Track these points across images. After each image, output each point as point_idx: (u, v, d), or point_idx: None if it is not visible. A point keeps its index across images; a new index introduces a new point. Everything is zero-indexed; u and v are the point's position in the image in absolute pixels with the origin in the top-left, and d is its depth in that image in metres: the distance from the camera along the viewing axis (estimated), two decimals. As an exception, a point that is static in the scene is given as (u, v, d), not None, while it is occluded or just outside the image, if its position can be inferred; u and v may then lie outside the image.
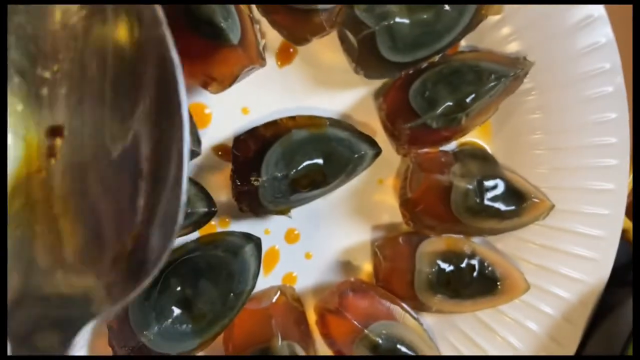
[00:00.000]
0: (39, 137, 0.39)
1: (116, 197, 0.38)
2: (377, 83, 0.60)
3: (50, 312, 0.37)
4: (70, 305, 0.37)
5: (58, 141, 0.38)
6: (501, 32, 0.59)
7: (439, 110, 0.56)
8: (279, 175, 0.53)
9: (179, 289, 0.52)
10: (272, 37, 0.56)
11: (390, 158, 0.61)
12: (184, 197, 0.36)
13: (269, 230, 0.59)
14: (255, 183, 0.52)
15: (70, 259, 0.38)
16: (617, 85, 0.60)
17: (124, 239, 0.37)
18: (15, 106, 0.37)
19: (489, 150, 0.63)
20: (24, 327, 0.35)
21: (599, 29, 0.59)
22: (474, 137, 0.62)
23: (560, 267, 0.62)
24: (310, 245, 0.60)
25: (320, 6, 0.52)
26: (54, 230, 0.38)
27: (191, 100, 0.56)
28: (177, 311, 0.52)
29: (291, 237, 0.60)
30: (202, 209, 0.52)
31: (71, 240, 0.38)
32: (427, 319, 0.62)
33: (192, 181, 0.53)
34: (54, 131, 0.38)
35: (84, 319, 0.37)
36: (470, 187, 0.57)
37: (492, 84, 0.56)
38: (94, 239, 0.38)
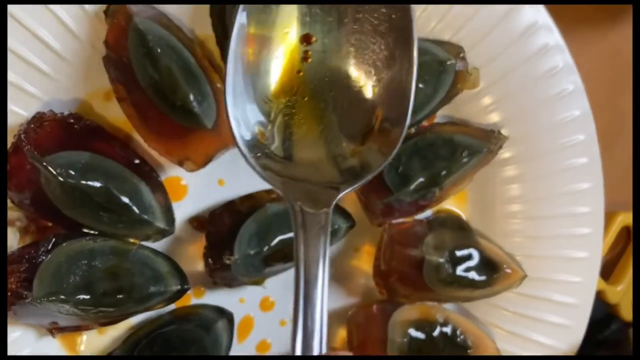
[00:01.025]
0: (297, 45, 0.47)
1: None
2: (354, 153, 0.61)
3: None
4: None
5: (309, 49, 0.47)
6: (480, 104, 0.60)
7: (412, 187, 0.56)
8: (252, 252, 0.53)
9: (152, 364, 0.53)
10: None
11: (366, 226, 0.61)
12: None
13: (243, 299, 0.60)
14: (228, 262, 0.53)
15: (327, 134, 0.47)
16: (592, 156, 0.61)
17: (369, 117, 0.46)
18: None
19: (464, 218, 0.64)
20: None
21: (575, 100, 0.60)
22: (450, 204, 0.63)
23: (531, 334, 0.63)
24: (285, 313, 0.61)
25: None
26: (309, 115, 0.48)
27: (167, 174, 0.57)
28: (150, 387, 0.53)
29: (266, 305, 0.61)
30: (175, 286, 0.53)
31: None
32: (400, 385, 0.63)
33: (166, 257, 0.54)
34: (307, 38, 0.47)
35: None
36: (442, 260, 0.58)
37: (465, 159, 0.57)
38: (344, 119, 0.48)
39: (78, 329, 0.54)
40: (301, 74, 0.47)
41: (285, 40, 0.47)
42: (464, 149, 0.57)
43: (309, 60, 0.48)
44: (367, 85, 0.47)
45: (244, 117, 0.45)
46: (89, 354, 0.57)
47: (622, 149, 0.72)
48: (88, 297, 0.50)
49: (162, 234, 0.54)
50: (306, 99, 0.48)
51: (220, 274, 0.54)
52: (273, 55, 0.47)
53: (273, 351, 0.61)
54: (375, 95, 0.47)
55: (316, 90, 0.48)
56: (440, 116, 0.61)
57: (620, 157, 0.72)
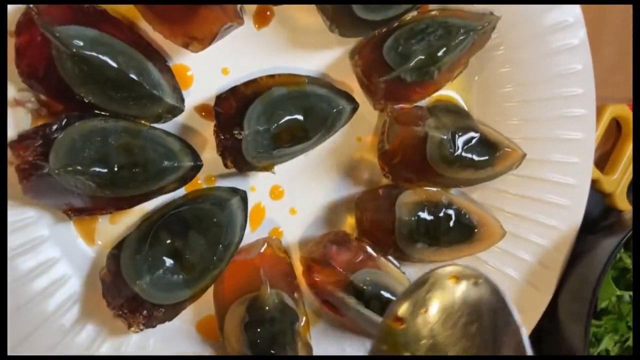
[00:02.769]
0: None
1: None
2: (352, 43, 0.62)
3: None
4: None
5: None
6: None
7: (412, 63, 0.58)
8: (261, 129, 0.55)
9: (169, 241, 0.54)
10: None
11: (368, 116, 0.63)
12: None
13: (254, 187, 0.61)
14: (239, 136, 0.54)
15: None
16: (581, 39, 0.63)
17: None
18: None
19: (463, 105, 0.65)
20: None
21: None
22: (449, 91, 0.65)
23: (534, 215, 0.65)
24: (294, 201, 0.63)
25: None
26: None
27: (174, 62, 0.58)
28: (168, 262, 0.54)
29: (276, 193, 0.62)
30: (188, 162, 0.54)
31: None
32: (410, 269, 0.65)
33: (177, 137, 0.55)
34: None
35: None
36: (445, 137, 0.59)
37: (461, 37, 0.59)
38: None
39: (93, 211, 0.54)
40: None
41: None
42: (459, 28, 0.59)
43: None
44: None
45: None
46: (105, 240, 0.57)
47: (608, 44, 0.74)
48: (104, 170, 0.51)
49: (172, 112, 0.55)
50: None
51: (231, 153, 0.55)
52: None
53: (285, 239, 0.63)
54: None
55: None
56: (432, 7, 0.63)
57: (606, 55, 0.74)
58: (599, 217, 0.75)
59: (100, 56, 0.50)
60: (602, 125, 0.72)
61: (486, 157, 0.61)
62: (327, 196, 0.64)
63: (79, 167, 0.49)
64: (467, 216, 0.62)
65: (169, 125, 0.57)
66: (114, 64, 0.50)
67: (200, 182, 0.59)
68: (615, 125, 0.75)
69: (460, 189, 0.66)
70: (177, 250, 0.54)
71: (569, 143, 0.65)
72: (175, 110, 0.55)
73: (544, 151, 0.64)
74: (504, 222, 0.64)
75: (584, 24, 0.63)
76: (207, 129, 0.59)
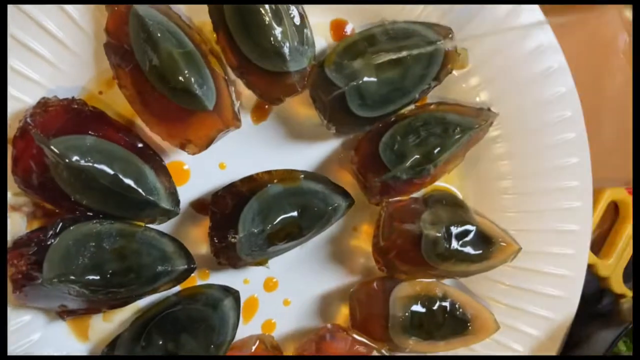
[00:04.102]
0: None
1: None
2: (350, 134, 0.62)
3: None
4: None
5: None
6: (469, 83, 0.62)
7: (408, 164, 0.58)
8: (256, 231, 0.55)
9: (161, 342, 0.54)
10: (248, 95, 0.59)
11: (364, 206, 0.63)
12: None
13: (247, 280, 0.61)
14: (233, 240, 0.54)
15: None
16: (578, 132, 0.63)
17: None
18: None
19: (459, 195, 0.65)
20: None
21: (560, 78, 0.62)
22: (445, 182, 0.65)
23: (528, 306, 0.65)
24: (288, 292, 0.63)
25: (292, 68, 0.55)
26: None
27: (171, 159, 0.58)
28: (161, 366, 0.54)
29: (269, 285, 0.62)
30: (182, 266, 0.54)
31: None
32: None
33: (172, 238, 0.55)
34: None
35: None
36: (439, 234, 0.59)
37: (458, 136, 0.59)
38: None
39: (87, 311, 0.54)
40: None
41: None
42: (456, 126, 0.59)
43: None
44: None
45: None
46: (98, 338, 0.58)
47: (607, 128, 0.74)
48: (97, 277, 0.51)
49: (167, 215, 0.55)
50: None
51: (225, 253, 0.56)
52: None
53: (278, 330, 0.63)
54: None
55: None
56: (432, 97, 0.63)
57: (605, 136, 0.74)
58: (593, 298, 0.75)
59: (96, 165, 0.50)
60: (599, 209, 0.72)
61: (481, 251, 0.61)
62: (322, 286, 0.64)
63: (72, 277, 0.49)
64: (460, 310, 0.62)
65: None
66: (110, 171, 0.51)
67: (194, 275, 0.59)
68: (613, 208, 0.75)
69: (456, 279, 0.66)
70: (170, 352, 0.54)
71: (564, 235, 0.65)
72: (170, 214, 0.55)
73: (540, 243, 0.64)
74: (498, 313, 0.64)
75: (582, 117, 0.63)
76: (202, 224, 0.59)
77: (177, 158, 0.58)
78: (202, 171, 0.59)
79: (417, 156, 0.58)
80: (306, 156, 0.62)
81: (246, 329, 0.61)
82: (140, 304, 0.58)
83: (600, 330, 0.66)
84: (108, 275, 0.51)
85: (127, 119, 0.56)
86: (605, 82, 0.74)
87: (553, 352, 0.65)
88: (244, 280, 0.61)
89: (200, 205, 0.59)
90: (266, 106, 0.60)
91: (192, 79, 0.51)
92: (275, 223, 0.56)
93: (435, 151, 0.59)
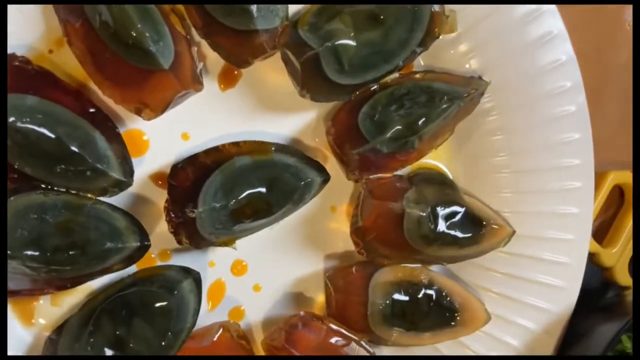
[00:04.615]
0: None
1: None
2: (328, 105, 0.57)
3: None
4: None
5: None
6: (458, 50, 0.57)
7: (389, 134, 0.53)
8: (218, 205, 0.50)
9: (111, 328, 0.49)
10: (215, 60, 0.54)
11: (343, 184, 0.58)
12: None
13: (213, 262, 0.56)
14: (191, 214, 0.49)
15: None
16: (579, 105, 0.57)
17: None
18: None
19: (449, 174, 0.60)
20: None
21: (559, 45, 0.56)
22: (433, 159, 0.60)
23: (524, 296, 0.59)
24: (259, 277, 0.57)
25: (260, 27, 0.50)
26: None
27: (128, 126, 0.53)
28: (109, 352, 0.49)
29: (238, 268, 0.57)
30: (135, 243, 0.49)
31: None
32: (385, 351, 0.59)
33: (125, 213, 0.50)
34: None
35: None
36: (424, 214, 0.54)
37: (445, 105, 0.54)
38: None
39: (31, 292, 0.49)
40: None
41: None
42: (443, 95, 0.54)
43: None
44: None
45: None
46: (45, 323, 0.53)
47: (611, 107, 0.69)
48: (37, 253, 0.46)
49: (119, 186, 0.50)
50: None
51: (185, 230, 0.50)
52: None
53: (247, 319, 0.57)
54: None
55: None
56: (418, 67, 0.58)
57: (609, 116, 0.69)
58: (596, 291, 0.69)
59: (36, 127, 0.45)
60: (602, 193, 0.66)
61: (470, 235, 0.56)
62: (296, 272, 0.58)
63: (8, 252, 0.44)
64: (448, 298, 0.57)
65: (120, 195, 0.52)
66: (52, 135, 0.46)
67: (154, 256, 0.54)
68: (618, 192, 0.69)
69: (444, 265, 0.60)
70: (121, 339, 0.49)
71: (563, 218, 0.59)
72: (122, 185, 0.50)
73: (536, 226, 0.59)
74: (490, 304, 0.59)
75: (583, 88, 0.57)
76: (162, 199, 0.54)
77: (135, 126, 0.53)
78: (163, 142, 0.54)
79: (399, 127, 0.53)
80: (278, 127, 0.56)
81: (212, 317, 0.56)
82: (93, 287, 0.53)
83: (603, 323, 0.61)
84: (50, 251, 0.46)
85: (79, 82, 0.51)
86: (610, 56, 0.69)
87: (551, 347, 0.59)
88: (210, 263, 0.56)
89: (160, 178, 0.54)
90: (235, 72, 0.55)
91: (147, 34, 0.46)
92: (240, 198, 0.51)
93: (420, 122, 0.54)
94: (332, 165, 0.56)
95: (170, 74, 0.47)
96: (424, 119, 0.53)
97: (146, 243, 0.50)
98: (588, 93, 0.58)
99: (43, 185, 0.48)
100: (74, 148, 0.46)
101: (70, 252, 0.47)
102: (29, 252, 0.45)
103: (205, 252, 0.56)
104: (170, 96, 0.48)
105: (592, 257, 0.66)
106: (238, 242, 0.54)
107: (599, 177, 0.64)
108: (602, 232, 0.69)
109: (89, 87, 0.52)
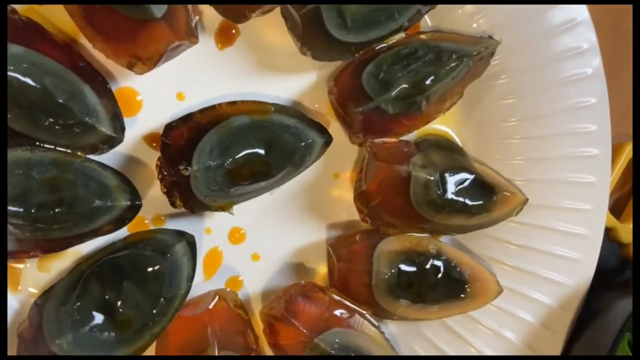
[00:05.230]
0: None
1: None
2: (331, 67, 0.55)
3: None
4: None
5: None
6: (465, 10, 0.54)
7: (394, 93, 0.50)
8: (213, 164, 0.47)
9: (99, 292, 0.46)
10: (212, 17, 0.51)
11: (347, 150, 0.55)
12: None
13: (210, 229, 0.54)
14: (185, 172, 0.46)
15: None
16: (595, 68, 0.54)
17: None
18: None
19: (458, 141, 0.57)
20: None
21: (573, 6, 0.53)
22: (441, 125, 0.57)
23: (538, 269, 0.56)
24: (258, 246, 0.55)
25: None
26: None
27: (120, 84, 0.51)
28: (97, 317, 0.46)
29: (236, 236, 0.54)
30: (125, 202, 0.47)
31: None
32: (390, 326, 0.56)
33: (115, 172, 0.48)
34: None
35: None
36: (432, 178, 0.51)
37: (454, 64, 0.51)
38: None
39: (17, 255, 0.47)
40: None
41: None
42: (451, 54, 0.51)
43: None
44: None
45: None
46: (32, 289, 0.50)
47: (628, 79, 0.66)
48: (21, 209, 0.43)
49: (109, 142, 0.48)
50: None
51: (178, 191, 0.48)
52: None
53: (245, 289, 0.55)
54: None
55: None
56: (425, 27, 0.55)
57: (626, 88, 0.66)
58: (614, 270, 0.66)
59: (20, 77, 0.43)
60: (619, 166, 0.63)
61: (481, 202, 0.53)
62: (297, 241, 0.56)
63: (-10, 207, 0.42)
64: (457, 269, 0.54)
65: (112, 158, 0.50)
66: (38, 85, 0.43)
67: (147, 222, 0.52)
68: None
69: (453, 236, 0.57)
70: (110, 303, 0.46)
71: (579, 187, 0.56)
72: (113, 141, 0.48)
73: (551, 196, 0.56)
74: (503, 277, 0.56)
75: (599, 51, 0.54)
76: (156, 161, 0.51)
77: (128, 84, 0.51)
78: (158, 102, 0.52)
79: (406, 85, 0.51)
80: (278, 89, 0.54)
81: (208, 286, 0.54)
82: (83, 251, 0.51)
83: (621, 299, 0.57)
84: (35, 207, 0.44)
85: (68, 36, 0.49)
86: (627, 25, 0.66)
87: (567, 323, 0.56)
88: (206, 230, 0.53)
89: (154, 139, 0.52)
90: (233, 30, 0.52)
91: (139, -19, 0.44)
92: (237, 157, 0.48)
93: (427, 81, 0.51)
94: (335, 130, 0.54)
95: (162, 23, 0.45)
96: (432, 77, 0.51)
97: (137, 202, 0.47)
98: (605, 65, 0.55)
99: (30, 143, 0.46)
100: (61, 100, 0.44)
101: (57, 210, 0.44)
102: (13, 208, 0.43)
103: (201, 218, 0.53)
104: (162, 47, 0.46)
105: (609, 233, 0.63)
106: (236, 209, 0.51)
107: (615, 149, 0.61)
108: (619, 207, 0.66)
109: (79, 43, 0.49)
